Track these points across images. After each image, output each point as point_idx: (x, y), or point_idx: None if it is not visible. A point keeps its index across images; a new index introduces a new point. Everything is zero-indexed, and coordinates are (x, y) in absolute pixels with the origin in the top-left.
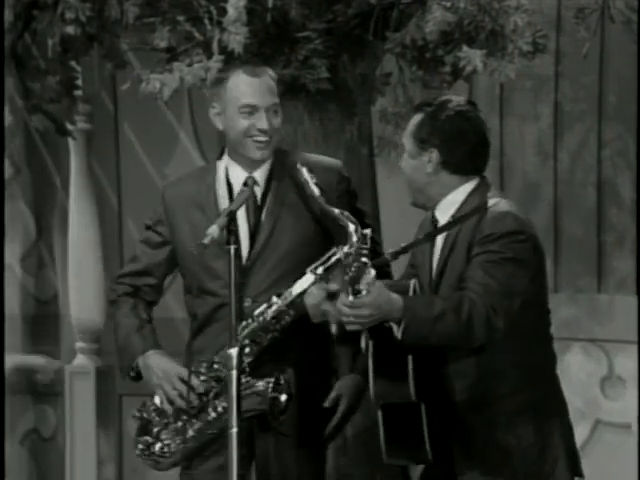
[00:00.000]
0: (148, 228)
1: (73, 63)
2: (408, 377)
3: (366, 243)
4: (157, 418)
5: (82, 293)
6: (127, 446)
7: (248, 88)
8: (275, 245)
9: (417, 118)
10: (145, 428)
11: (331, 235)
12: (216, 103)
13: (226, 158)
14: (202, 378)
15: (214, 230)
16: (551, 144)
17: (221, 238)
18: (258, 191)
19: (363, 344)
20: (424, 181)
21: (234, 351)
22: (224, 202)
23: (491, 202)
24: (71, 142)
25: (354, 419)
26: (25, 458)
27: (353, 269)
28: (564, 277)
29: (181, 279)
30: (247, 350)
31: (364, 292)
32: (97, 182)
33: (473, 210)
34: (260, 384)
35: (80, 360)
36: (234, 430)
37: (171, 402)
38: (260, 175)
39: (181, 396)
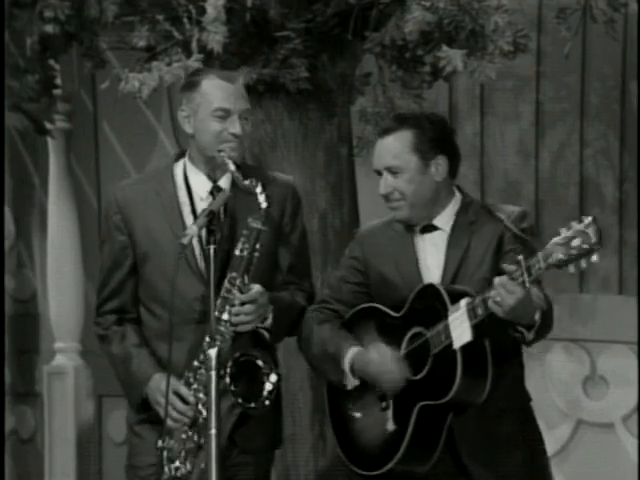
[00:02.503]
0: (103, 242)
1: (52, 62)
2: (487, 377)
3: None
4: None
5: (61, 293)
6: (106, 447)
7: (222, 92)
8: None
9: (407, 135)
10: (170, 458)
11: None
12: (185, 106)
13: (186, 162)
14: (194, 386)
15: (193, 230)
16: (533, 143)
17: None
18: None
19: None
20: (433, 192)
21: (213, 352)
22: (186, 209)
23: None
24: (50, 141)
25: None
26: (4, 460)
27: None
28: (546, 277)
29: None
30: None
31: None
32: (76, 181)
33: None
34: None
35: (59, 360)
36: (213, 432)
37: (173, 419)
38: (225, 184)
39: (178, 411)
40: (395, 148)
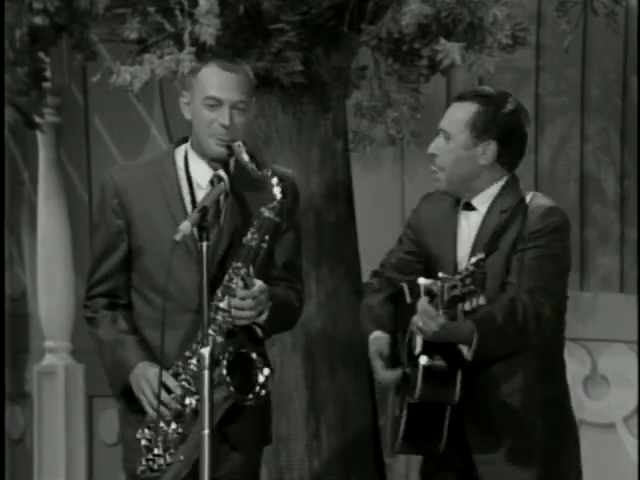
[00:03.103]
0: (97, 225)
1: (42, 54)
2: (456, 383)
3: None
4: (154, 433)
5: (51, 291)
6: (97, 448)
7: (216, 81)
8: (236, 248)
9: (472, 108)
10: (148, 447)
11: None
12: (186, 92)
13: (188, 149)
14: (183, 377)
15: (186, 226)
16: (532, 138)
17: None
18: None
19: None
20: (473, 172)
21: (206, 351)
22: (186, 197)
23: (529, 196)
24: (40, 136)
25: (328, 421)
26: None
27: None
28: None
29: None
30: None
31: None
32: (67, 177)
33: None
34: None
35: (49, 360)
36: (206, 432)
37: (155, 410)
38: (225, 173)
39: (162, 402)
40: (455, 116)
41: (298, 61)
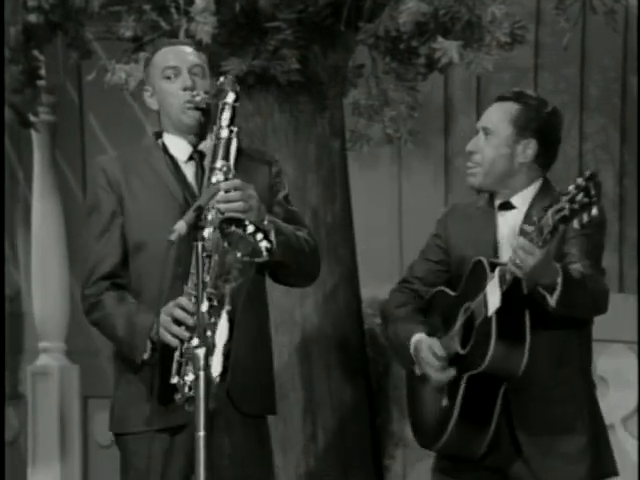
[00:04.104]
0: (90, 212)
1: (36, 52)
2: (525, 348)
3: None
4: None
5: (46, 291)
6: (92, 450)
7: (168, 54)
8: None
9: (514, 106)
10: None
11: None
12: (147, 85)
13: (164, 135)
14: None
15: (181, 226)
16: None
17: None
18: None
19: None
20: (511, 169)
21: (201, 351)
22: (173, 172)
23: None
24: (34, 135)
25: (325, 422)
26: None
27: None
28: None
29: None
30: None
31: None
32: (61, 176)
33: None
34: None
35: (43, 360)
36: (201, 434)
37: (175, 336)
38: (205, 146)
39: (178, 322)
40: (498, 113)
41: (295, 59)
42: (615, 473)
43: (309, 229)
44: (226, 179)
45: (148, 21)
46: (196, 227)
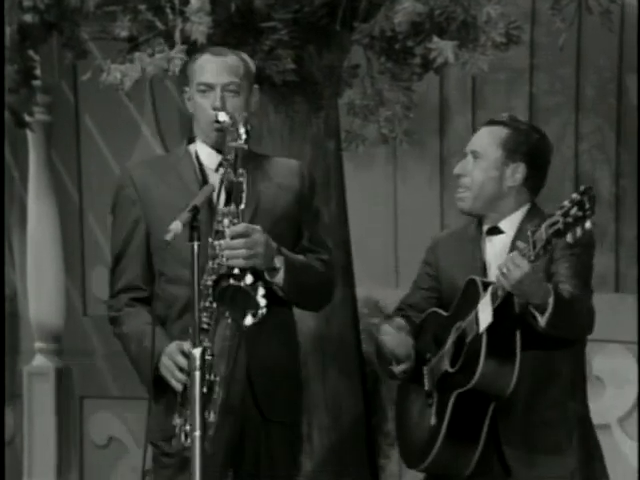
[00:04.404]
0: (114, 220)
1: (32, 52)
2: (515, 367)
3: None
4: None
5: (42, 291)
6: (88, 450)
7: (206, 67)
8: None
9: (503, 130)
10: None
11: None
12: (187, 87)
13: (197, 141)
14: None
15: (177, 226)
16: None
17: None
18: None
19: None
20: (499, 193)
21: (197, 351)
22: (195, 186)
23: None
24: (30, 135)
25: (320, 422)
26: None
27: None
28: None
29: None
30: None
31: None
32: (57, 176)
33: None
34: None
35: (39, 361)
36: (197, 433)
37: (177, 380)
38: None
39: (181, 369)
40: (487, 136)
41: (290, 59)
42: None
43: (330, 251)
44: (233, 224)
45: (143, 21)
46: (192, 227)
